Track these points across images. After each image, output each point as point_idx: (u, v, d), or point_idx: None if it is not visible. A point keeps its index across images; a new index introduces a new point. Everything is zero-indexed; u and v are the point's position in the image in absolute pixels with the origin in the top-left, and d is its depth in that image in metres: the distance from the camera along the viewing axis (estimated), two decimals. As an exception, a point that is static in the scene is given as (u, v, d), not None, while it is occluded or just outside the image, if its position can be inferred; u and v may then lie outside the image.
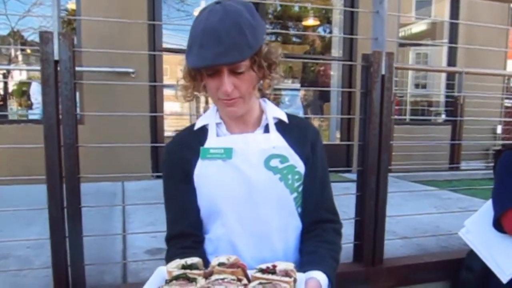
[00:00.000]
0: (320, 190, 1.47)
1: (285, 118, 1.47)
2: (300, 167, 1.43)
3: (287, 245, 1.43)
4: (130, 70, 4.35)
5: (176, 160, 1.42)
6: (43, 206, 1.80)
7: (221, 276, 1.19)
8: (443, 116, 6.66)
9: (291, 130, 1.46)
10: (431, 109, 7.02)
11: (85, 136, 1.82)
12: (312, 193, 1.45)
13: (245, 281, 1.19)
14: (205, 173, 1.38)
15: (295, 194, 1.43)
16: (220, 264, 1.24)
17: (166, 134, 4.83)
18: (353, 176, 2.62)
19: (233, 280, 1.18)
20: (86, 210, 1.84)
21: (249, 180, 1.37)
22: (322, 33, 6.83)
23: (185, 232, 1.40)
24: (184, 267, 1.21)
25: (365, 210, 2.15)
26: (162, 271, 1.27)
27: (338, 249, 1.45)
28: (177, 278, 1.15)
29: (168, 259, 1.39)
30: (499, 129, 6.68)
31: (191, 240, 1.40)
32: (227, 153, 1.38)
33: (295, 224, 1.45)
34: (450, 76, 6.53)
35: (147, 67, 4.57)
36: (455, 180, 5.29)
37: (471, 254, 2.21)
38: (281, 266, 1.23)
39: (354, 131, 5.31)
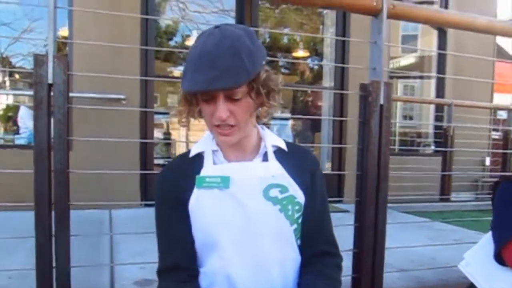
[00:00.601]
0: (320, 221, 1.42)
1: (284, 146, 1.42)
2: (300, 197, 1.38)
3: (285, 279, 1.36)
4: (121, 96, 4.31)
5: (170, 188, 1.35)
6: (27, 234, 1.71)
7: None
8: (432, 147, 6.69)
9: (290, 158, 1.41)
10: (420, 140, 7.06)
11: (73, 162, 1.75)
12: (311, 225, 1.39)
13: None
14: (200, 203, 1.32)
15: (295, 226, 1.37)
16: None
17: (156, 161, 4.76)
18: (345, 206, 2.58)
19: None
20: (72, 239, 1.76)
21: (247, 210, 1.30)
22: (317, 63, 6.88)
23: (180, 265, 1.33)
24: None
25: (364, 242, 2.09)
26: None
27: (338, 285, 1.39)
28: None
29: None
30: (487, 161, 6.72)
31: (186, 274, 1.32)
32: (224, 182, 1.32)
33: (294, 257, 1.38)
34: (439, 108, 6.60)
35: (138, 94, 4.53)
36: (446, 211, 5.27)
37: (472, 287, 2.15)
38: None
39: (346, 161, 5.30)
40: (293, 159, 1.42)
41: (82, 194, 1.92)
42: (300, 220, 1.38)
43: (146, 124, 4.58)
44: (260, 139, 1.41)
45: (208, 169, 1.34)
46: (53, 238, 1.68)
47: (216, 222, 1.30)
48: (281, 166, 1.38)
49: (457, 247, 2.93)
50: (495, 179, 2.11)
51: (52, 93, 1.63)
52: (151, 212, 1.39)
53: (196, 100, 1.29)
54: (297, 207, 1.37)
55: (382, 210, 2.10)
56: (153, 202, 1.41)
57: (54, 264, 1.69)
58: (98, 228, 3.58)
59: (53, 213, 1.68)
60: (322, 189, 1.46)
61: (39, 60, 1.60)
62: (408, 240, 3.33)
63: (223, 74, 1.17)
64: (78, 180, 1.69)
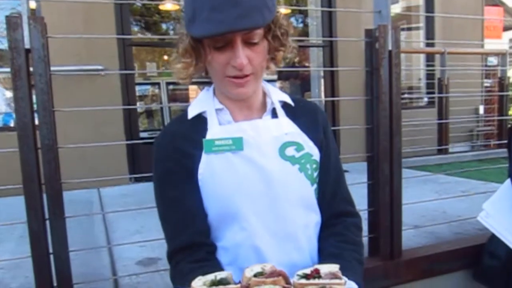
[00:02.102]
0: (337, 179, 1.34)
1: (290, 101, 1.32)
2: (316, 154, 1.29)
3: (311, 244, 1.29)
4: (99, 67, 4.10)
5: (173, 155, 1.23)
6: (16, 220, 1.59)
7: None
8: (425, 99, 6.64)
9: (299, 114, 1.32)
10: (412, 91, 6.99)
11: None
12: (328, 183, 1.32)
13: None
14: (212, 170, 1.21)
15: (315, 186, 1.29)
16: (256, 275, 1.08)
17: (141, 135, 4.61)
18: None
19: None
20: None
21: (266, 173, 1.21)
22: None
23: (196, 242, 1.22)
24: (214, 283, 1.04)
25: (379, 200, 2.01)
26: None
27: (362, 251, 1.32)
28: None
29: (179, 275, 1.21)
30: (481, 110, 6.70)
31: (203, 251, 1.21)
32: (237, 144, 1.21)
33: (316, 220, 1.31)
34: (429, 58, 6.51)
35: (117, 64, 4.33)
36: (445, 164, 5.25)
37: (493, 239, 2.10)
38: (323, 269, 1.10)
39: (340, 119, 5.19)
40: (303, 114, 1.32)
41: (68, 174, 1.79)
42: (317, 180, 1.30)
43: (128, 95, 4.40)
44: (264, 95, 1.30)
45: (215, 131, 1.22)
46: (47, 222, 1.56)
47: (233, 189, 1.19)
48: (293, 122, 1.28)
49: (466, 199, 2.91)
50: (491, 128, 2.05)
51: (30, 60, 1.47)
52: (141, 187, 1.27)
53: (204, 49, 1.16)
54: (314, 166, 1.28)
55: (397, 165, 2.01)
56: (145, 175, 1.29)
57: (50, 250, 1.57)
58: (88, 209, 3.45)
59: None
60: (334, 145, 1.37)
61: (13, 23, 1.44)
62: (415, 196, 3.28)
63: (249, 12, 1.05)
64: (62, 159, 1.55)
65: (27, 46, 1.45)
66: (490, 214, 2.12)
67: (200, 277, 1.07)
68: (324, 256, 1.25)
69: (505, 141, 2.22)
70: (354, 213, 1.35)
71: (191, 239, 1.21)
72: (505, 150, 5.29)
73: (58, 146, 1.54)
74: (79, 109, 1.82)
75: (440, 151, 5.46)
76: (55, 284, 1.59)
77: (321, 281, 1.09)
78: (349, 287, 1.09)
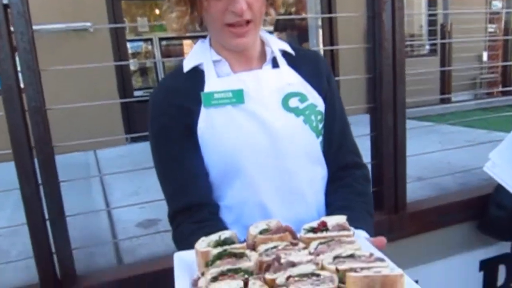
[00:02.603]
0: (343, 130, 1.31)
1: (290, 50, 1.27)
2: (321, 105, 1.25)
3: (318, 199, 1.27)
4: (88, 24, 3.98)
5: (169, 111, 1.19)
6: (10, 186, 1.56)
7: (271, 245, 1.03)
8: (427, 47, 6.51)
9: (301, 63, 1.27)
10: (414, 40, 6.86)
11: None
12: (334, 135, 1.29)
13: (301, 244, 1.03)
14: (212, 125, 1.17)
15: (320, 138, 1.26)
16: (262, 232, 1.07)
17: (136, 93, 4.54)
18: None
19: (287, 246, 1.02)
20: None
21: (269, 126, 1.17)
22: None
23: (198, 202, 1.19)
24: (218, 243, 1.02)
25: (383, 152, 1.98)
26: (184, 257, 1.07)
27: (371, 202, 1.31)
28: (219, 257, 0.96)
29: (181, 237, 1.19)
30: (485, 56, 6.59)
31: (206, 212, 1.19)
32: (238, 96, 1.17)
33: (323, 173, 1.28)
34: (432, 3, 6.34)
35: (105, 20, 4.20)
36: (447, 113, 5.21)
37: (500, 189, 2.08)
38: (331, 221, 1.09)
39: (339, 68, 5.09)
40: (305, 63, 1.27)
41: (62, 137, 1.74)
42: (323, 131, 1.26)
43: (119, 53, 4.29)
44: (263, 44, 1.25)
45: (213, 84, 1.18)
46: (41, 187, 1.52)
47: (236, 144, 1.15)
48: (295, 72, 1.24)
49: (471, 149, 2.88)
50: (494, 76, 1.99)
51: (10, 17, 1.39)
52: (138, 148, 1.24)
53: None
54: (319, 117, 1.24)
55: (401, 115, 1.96)
56: (141, 135, 1.25)
57: (46, 216, 1.54)
58: (85, 172, 3.43)
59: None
60: (338, 95, 1.34)
61: (-14, -25, 1.35)
62: (418, 147, 3.24)
63: None
64: (55, 122, 1.50)
65: (5, 0, 1.37)
66: (497, 163, 2.09)
67: (203, 238, 1.05)
68: (332, 209, 1.23)
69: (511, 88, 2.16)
70: (361, 165, 1.33)
71: (192, 199, 1.19)
72: (509, 98, 5.24)
73: (47, 107, 1.49)
74: (66, 67, 1.76)
75: (442, 101, 5.40)
76: (53, 249, 1.58)
77: (328, 234, 1.07)
78: (358, 235, 1.07)
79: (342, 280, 0.88)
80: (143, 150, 1.30)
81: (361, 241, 1.06)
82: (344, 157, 1.29)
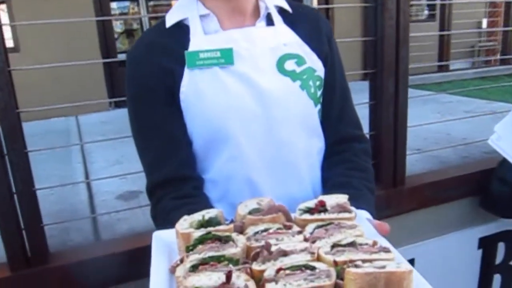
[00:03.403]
0: (343, 99, 1.21)
1: (287, 6, 1.15)
2: (320, 69, 1.14)
3: (313, 174, 1.16)
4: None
5: (149, 71, 1.06)
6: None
7: (261, 227, 0.93)
8: (426, 12, 6.33)
9: (299, 21, 1.15)
10: (412, 4, 6.66)
11: (22, 66, 1.42)
12: (334, 103, 1.18)
13: (295, 227, 0.93)
14: (197, 88, 1.05)
15: (318, 107, 1.15)
16: (252, 212, 0.96)
17: (121, 57, 4.36)
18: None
19: (280, 229, 0.92)
20: (35, 155, 1.47)
21: (262, 91, 1.05)
22: None
23: (180, 175, 1.09)
24: (201, 224, 0.92)
25: (382, 122, 1.85)
26: (163, 237, 0.97)
27: (373, 179, 1.21)
28: (202, 240, 0.86)
29: (161, 214, 1.09)
30: (484, 23, 6.43)
31: (189, 186, 1.09)
32: (226, 56, 1.05)
33: (320, 146, 1.18)
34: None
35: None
36: (445, 82, 5.09)
37: (504, 163, 1.98)
38: (330, 201, 0.99)
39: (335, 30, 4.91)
40: (303, 22, 1.15)
41: (42, 100, 1.60)
42: (321, 100, 1.16)
43: (102, 11, 4.07)
44: None
45: (199, 41, 1.05)
46: (6, 158, 1.39)
47: (223, 110, 1.04)
48: (292, 31, 1.12)
49: (471, 120, 2.77)
50: (493, 43, 1.87)
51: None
52: (122, 113, 1.12)
53: None
54: (318, 83, 1.13)
55: (403, 81, 1.83)
56: (124, 99, 1.13)
57: (13, 189, 1.41)
58: (65, 139, 3.28)
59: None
60: (340, 59, 1.22)
61: None
62: (416, 117, 3.13)
63: None
64: (32, 87, 1.36)
65: None
66: (502, 136, 1.98)
67: (185, 217, 0.95)
68: (329, 186, 1.12)
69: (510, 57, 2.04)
70: (362, 138, 1.23)
71: (173, 171, 1.08)
72: (508, 67, 5.11)
73: (11, 68, 1.34)
74: (37, 22, 1.58)
75: (440, 69, 5.27)
76: (22, 225, 1.45)
77: (327, 215, 0.96)
78: (361, 216, 0.98)
79: (340, 275, 0.77)
80: (127, 116, 1.19)
81: (364, 225, 0.96)
82: (344, 129, 1.19)
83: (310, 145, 1.13)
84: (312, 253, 0.84)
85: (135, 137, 1.12)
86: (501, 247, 2.25)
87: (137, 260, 1.50)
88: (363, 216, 1.00)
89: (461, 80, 5.13)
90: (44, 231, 1.50)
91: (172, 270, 0.86)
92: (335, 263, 0.80)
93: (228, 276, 0.75)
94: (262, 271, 0.79)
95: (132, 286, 1.53)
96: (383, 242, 0.91)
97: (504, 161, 1.98)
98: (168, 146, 1.07)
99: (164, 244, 0.96)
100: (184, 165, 1.08)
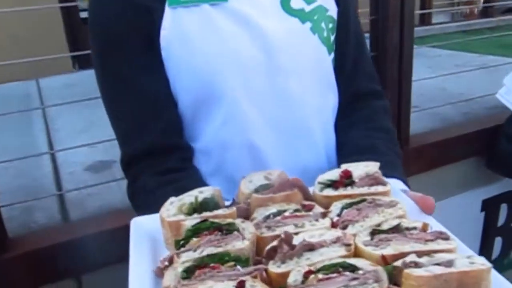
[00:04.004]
0: (357, 47, 1.04)
1: None
2: (332, 9, 0.97)
3: (328, 137, 1.00)
4: None
5: (118, 11, 0.87)
6: None
7: (273, 210, 0.74)
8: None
9: None
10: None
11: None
12: (348, 52, 1.01)
13: (317, 208, 0.75)
14: (182, 31, 0.85)
15: (332, 55, 0.98)
16: (259, 189, 0.77)
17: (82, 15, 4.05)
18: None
19: (298, 211, 0.73)
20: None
21: (264, 34, 0.87)
22: None
23: (163, 143, 0.90)
24: (195, 208, 0.73)
25: (386, 76, 1.68)
26: (144, 226, 0.77)
27: (397, 141, 1.04)
28: (196, 232, 0.67)
29: (140, 195, 0.91)
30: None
31: (175, 157, 0.90)
32: None
33: (334, 103, 1.01)
34: None
35: None
36: (427, 36, 4.90)
37: (514, 118, 1.84)
38: (357, 170, 0.80)
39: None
40: None
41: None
42: (334, 46, 0.98)
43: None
44: None
45: None
46: None
47: (216, 59, 0.85)
48: None
49: (465, 74, 2.60)
50: None
51: None
52: (88, 75, 0.93)
53: None
54: (331, 26, 0.96)
55: (408, 30, 1.64)
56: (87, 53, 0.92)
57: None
58: (25, 105, 2.99)
59: None
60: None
61: None
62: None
63: None
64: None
65: None
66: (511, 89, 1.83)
67: (172, 200, 0.76)
68: (347, 152, 0.96)
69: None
70: (381, 93, 1.07)
71: (154, 140, 0.90)
72: (489, 19, 4.96)
73: None
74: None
75: (422, 23, 5.09)
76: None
77: (356, 190, 0.77)
78: (396, 190, 0.80)
79: (393, 277, 0.59)
80: (94, 77, 0.98)
81: (403, 200, 0.77)
82: (361, 82, 1.03)
83: (323, 101, 0.96)
84: (348, 245, 0.65)
85: (104, 99, 0.93)
86: (503, 209, 2.15)
87: (114, 241, 1.30)
88: (396, 187, 0.82)
89: (444, 33, 4.96)
90: (1, 213, 1.28)
91: (159, 273, 0.68)
92: (384, 260, 0.61)
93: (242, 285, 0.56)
94: (284, 275, 0.60)
95: (109, 272, 1.33)
96: (435, 224, 0.72)
97: (512, 117, 1.83)
98: (146, 107, 0.89)
99: (146, 234, 0.77)
100: (168, 131, 0.90)
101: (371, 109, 1.02)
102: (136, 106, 0.90)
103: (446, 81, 2.65)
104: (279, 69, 0.89)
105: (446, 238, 0.65)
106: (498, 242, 2.18)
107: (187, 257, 0.63)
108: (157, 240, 0.75)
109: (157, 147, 0.90)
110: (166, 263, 0.66)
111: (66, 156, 1.95)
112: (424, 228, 0.68)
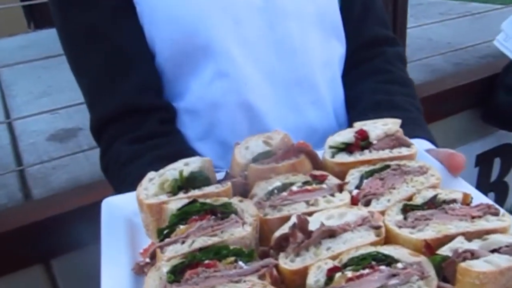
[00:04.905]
0: None
1: None
2: None
3: (335, 93, 0.89)
4: None
5: None
6: None
7: (277, 183, 0.63)
8: None
9: None
10: None
11: None
12: None
13: (332, 178, 0.64)
14: None
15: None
16: (258, 158, 0.65)
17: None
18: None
19: (308, 183, 0.61)
20: None
21: None
22: None
23: (138, 104, 0.78)
24: (179, 184, 0.62)
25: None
26: (118, 208, 0.66)
27: (416, 94, 0.94)
28: (183, 217, 0.56)
29: (115, 167, 0.79)
30: None
31: (155, 120, 0.78)
32: None
33: (341, 52, 0.90)
34: None
35: None
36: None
37: (511, 69, 1.74)
38: (375, 130, 0.69)
39: None
40: None
41: None
42: None
43: None
44: None
45: None
46: None
47: (200, 2, 0.73)
48: None
49: (449, 23, 2.50)
50: None
51: None
52: (46, 36, 0.78)
53: None
54: None
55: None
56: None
57: None
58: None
59: None
60: None
61: None
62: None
63: None
64: None
65: None
66: (510, 36, 1.73)
67: (151, 175, 0.64)
68: (361, 108, 0.86)
69: None
70: (394, 40, 0.97)
71: (127, 99, 0.78)
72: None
73: None
74: None
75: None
76: None
77: (375, 154, 0.66)
78: (423, 155, 0.71)
79: (440, 270, 0.47)
80: (52, 37, 0.89)
81: (430, 163, 0.66)
82: (372, 28, 0.92)
83: (329, 50, 0.86)
84: (377, 228, 0.54)
85: (68, 55, 0.81)
86: (496, 163, 2.09)
87: (85, 221, 1.16)
88: (423, 148, 0.72)
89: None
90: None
91: (138, 271, 0.56)
92: (428, 247, 0.50)
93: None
94: (300, 272, 0.49)
95: (81, 255, 1.20)
96: (477, 195, 0.62)
97: (511, 66, 1.73)
98: (117, 61, 0.77)
99: (121, 219, 0.66)
100: (143, 89, 0.78)
101: (384, 57, 0.91)
102: (104, 60, 0.78)
103: (430, 31, 2.53)
104: (277, 11, 0.77)
105: (496, 213, 0.55)
106: (491, 197, 2.14)
107: (173, 252, 0.51)
108: (135, 226, 0.63)
109: (131, 107, 0.78)
110: (147, 259, 0.54)
111: (25, 125, 1.79)
112: (466, 199, 0.58)
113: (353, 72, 0.90)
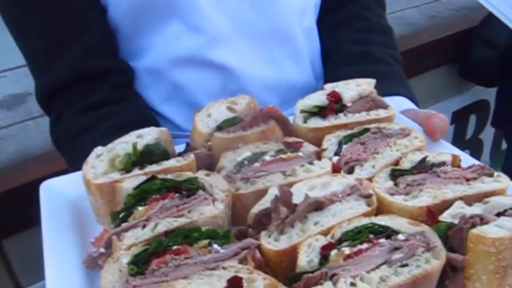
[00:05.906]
0: None
1: None
2: None
3: (312, 45, 0.83)
4: None
5: None
6: None
7: (247, 153, 0.58)
8: None
9: None
10: None
11: None
12: None
13: (308, 145, 0.59)
14: None
15: None
16: (222, 126, 0.61)
17: None
18: None
19: (281, 152, 0.57)
20: None
21: None
22: None
23: (90, 67, 0.70)
24: (134, 161, 0.56)
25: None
26: (59, 192, 0.60)
27: (394, 42, 0.90)
28: (142, 195, 0.50)
29: (66, 140, 0.72)
30: None
31: (107, 85, 0.71)
32: None
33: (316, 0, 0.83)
34: None
35: None
36: None
37: (490, 22, 1.71)
38: (348, 92, 0.65)
39: None
40: None
41: None
42: None
43: None
44: None
45: None
46: None
47: None
48: None
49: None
50: None
51: None
52: None
53: None
54: None
55: None
56: None
57: None
58: None
59: None
60: None
61: None
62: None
63: None
64: None
65: None
66: (489, -14, 1.68)
67: (99, 151, 0.58)
68: (337, 60, 0.82)
69: None
70: None
71: (76, 63, 0.70)
72: None
73: None
74: None
75: None
76: None
77: (351, 118, 0.62)
78: (399, 113, 0.68)
79: (446, 240, 0.43)
80: None
81: (409, 125, 0.62)
82: None
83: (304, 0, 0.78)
84: (367, 196, 0.49)
85: (7, 17, 0.72)
86: (472, 120, 2.09)
87: (36, 198, 1.10)
88: (403, 108, 0.68)
89: None
90: None
91: (91, 263, 0.49)
92: (430, 214, 0.45)
93: (237, 282, 0.38)
94: (286, 252, 0.44)
95: (36, 234, 1.13)
96: (466, 157, 0.57)
97: (489, 19, 1.70)
98: (63, 20, 0.68)
99: (65, 204, 0.59)
100: (95, 51, 0.70)
101: (360, 2, 0.85)
102: (48, 19, 0.69)
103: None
104: None
105: (491, 174, 0.50)
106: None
107: (133, 238, 0.45)
108: (83, 211, 0.56)
109: (81, 73, 0.70)
110: (101, 249, 0.47)
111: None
112: (455, 161, 0.53)
113: (328, 19, 0.84)
